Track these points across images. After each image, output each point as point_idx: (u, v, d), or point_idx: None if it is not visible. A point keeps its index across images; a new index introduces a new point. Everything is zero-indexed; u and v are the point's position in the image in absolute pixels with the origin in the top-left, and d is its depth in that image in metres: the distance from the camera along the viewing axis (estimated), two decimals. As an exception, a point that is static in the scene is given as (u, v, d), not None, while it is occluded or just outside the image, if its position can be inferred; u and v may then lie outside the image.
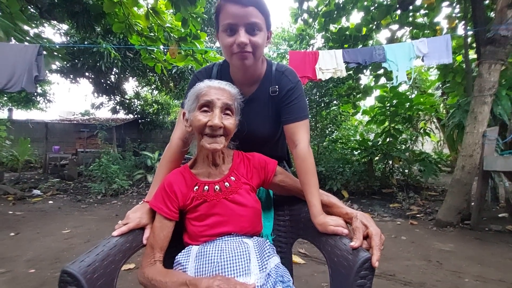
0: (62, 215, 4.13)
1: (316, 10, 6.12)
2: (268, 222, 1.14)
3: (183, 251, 0.93)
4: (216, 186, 0.96)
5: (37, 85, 7.64)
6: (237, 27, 0.92)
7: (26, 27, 4.57)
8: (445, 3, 5.37)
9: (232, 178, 0.99)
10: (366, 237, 0.79)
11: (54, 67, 7.86)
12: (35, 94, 10.80)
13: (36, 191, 5.58)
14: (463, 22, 5.18)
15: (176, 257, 0.91)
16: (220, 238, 0.92)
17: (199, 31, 4.65)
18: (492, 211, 4.12)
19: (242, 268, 0.83)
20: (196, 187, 0.95)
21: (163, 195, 0.93)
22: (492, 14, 4.30)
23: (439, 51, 3.89)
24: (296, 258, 2.51)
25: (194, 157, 1.04)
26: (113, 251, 0.79)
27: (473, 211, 3.46)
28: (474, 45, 4.13)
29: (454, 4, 5.36)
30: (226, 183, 0.97)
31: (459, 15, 5.39)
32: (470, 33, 4.58)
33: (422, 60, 4.05)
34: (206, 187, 0.95)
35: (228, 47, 0.96)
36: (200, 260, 0.85)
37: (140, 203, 1.01)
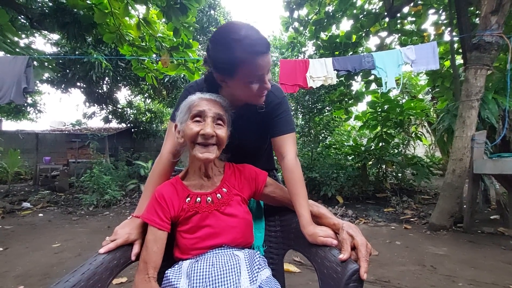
0: (52, 228, 4.04)
1: (306, 18, 6.24)
2: (259, 233, 1.14)
3: (173, 266, 0.92)
4: (208, 198, 0.95)
5: (26, 97, 7.55)
6: (264, 75, 0.92)
7: (16, 38, 4.54)
8: (432, 11, 5.53)
9: (224, 189, 0.99)
10: (354, 247, 0.79)
11: (44, 77, 7.80)
12: (26, 104, 10.65)
13: (26, 204, 5.45)
14: (449, 28, 5.32)
15: (166, 272, 0.90)
16: (211, 250, 0.92)
17: (191, 40, 4.68)
18: (484, 213, 4.17)
19: (232, 281, 0.83)
20: (188, 198, 0.95)
21: (155, 206, 0.92)
22: (477, 21, 4.42)
23: (427, 57, 3.98)
24: (290, 267, 2.49)
25: (185, 168, 1.04)
26: (99, 269, 0.77)
27: (465, 214, 3.50)
28: (461, 50, 4.23)
29: (440, 11, 5.52)
30: (218, 195, 0.97)
31: (445, 21, 5.54)
32: (456, 39, 4.70)
33: (411, 66, 4.13)
34: (199, 198, 0.95)
35: (256, 92, 0.95)
36: (191, 277, 0.84)
37: (128, 218, 0.99)
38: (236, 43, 0.85)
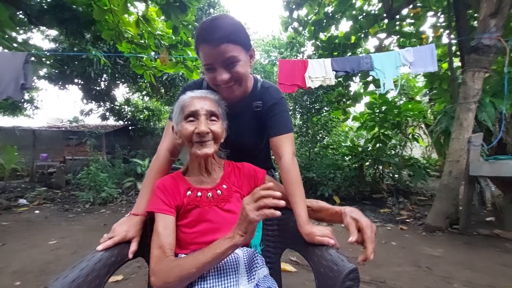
0: (48, 225, 4.03)
1: (306, 18, 6.24)
2: (257, 232, 1.14)
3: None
4: (209, 193, 0.96)
5: (24, 93, 7.50)
6: (214, 65, 0.94)
7: (14, 34, 4.51)
8: (430, 13, 5.55)
9: (224, 186, 1.00)
10: (358, 230, 0.81)
11: (41, 73, 7.75)
12: (23, 100, 10.58)
13: (22, 201, 5.43)
14: (447, 31, 5.35)
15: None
16: (210, 247, 0.92)
17: (190, 39, 4.67)
18: (480, 215, 4.20)
19: (231, 279, 0.84)
20: (189, 192, 0.96)
21: (159, 195, 0.93)
22: (475, 23, 4.45)
23: (425, 59, 3.99)
24: (287, 266, 2.50)
25: (185, 164, 1.05)
26: (97, 266, 0.77)
27: (461, 216, 3.52)
28: (459, 53, 4.26)
29: (439, 14, 5.54)
30: (218, 191, 0.98)
31: (443, 24, 5.56)
32: (454, 41, 4.73)
33: (409, 68, 4.15)
34: (199, 193, 0.96)
35: (211, 81, 0.99)
36: None
37: (126, 215, 0.99)
38: (197, 31, 0.93)
